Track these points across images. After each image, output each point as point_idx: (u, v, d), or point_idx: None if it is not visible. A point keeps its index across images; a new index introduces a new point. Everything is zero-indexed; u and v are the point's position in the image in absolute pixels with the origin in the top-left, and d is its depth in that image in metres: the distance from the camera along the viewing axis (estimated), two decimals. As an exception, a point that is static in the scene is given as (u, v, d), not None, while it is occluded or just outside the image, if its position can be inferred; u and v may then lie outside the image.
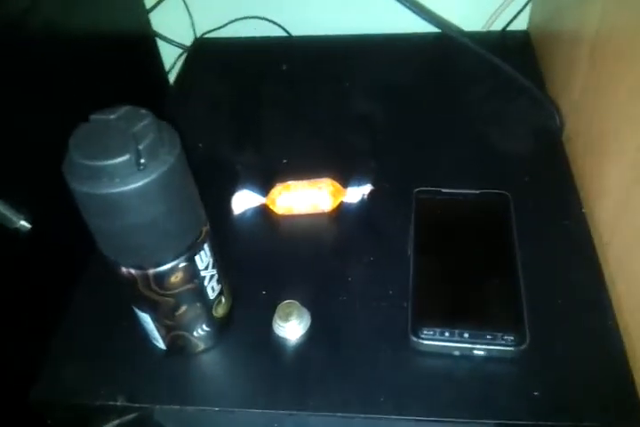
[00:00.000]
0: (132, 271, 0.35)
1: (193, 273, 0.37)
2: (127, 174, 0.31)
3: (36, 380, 0.42)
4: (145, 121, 0.32)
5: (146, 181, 0.31)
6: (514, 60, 0.63)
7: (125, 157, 0.31)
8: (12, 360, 0.46)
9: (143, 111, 0.33)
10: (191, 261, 0.37)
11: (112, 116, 0.33)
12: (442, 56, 0.70)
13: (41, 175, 0.46)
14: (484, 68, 0.65)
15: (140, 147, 0.31)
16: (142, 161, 0.31)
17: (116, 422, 0.42)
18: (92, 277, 0.49)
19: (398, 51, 0.71)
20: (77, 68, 0.56)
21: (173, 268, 0.36)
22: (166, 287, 0.37)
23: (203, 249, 0.37)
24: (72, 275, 0.49)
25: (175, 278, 0.36)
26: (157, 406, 0.40)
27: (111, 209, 0.32)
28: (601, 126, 0.51)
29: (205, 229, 0.38)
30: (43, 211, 0.45)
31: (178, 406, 0.40)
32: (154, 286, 0.36)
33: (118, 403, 0.40)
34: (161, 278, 0.36)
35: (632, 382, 0.39)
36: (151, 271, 0.35)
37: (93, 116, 0.33)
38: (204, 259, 0.38)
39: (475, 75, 0.67)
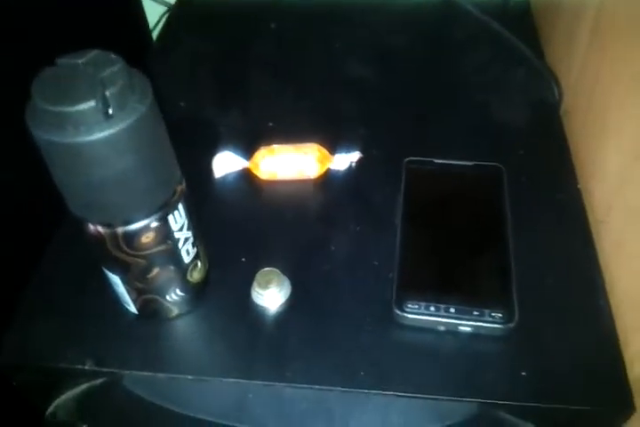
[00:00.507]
0: (100, 229, 0.33)
1: (166, 234, 0.35)
2: (93, 123, 0.29)
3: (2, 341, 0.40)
4: (115, 67, 0.30)
5: (113, 130, 0.29)
6: (513, 29, 0.60)
7: (91, 104, 0.28)
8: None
9: (113, 56, 0.30)
10: (164, 220, 0.34)
11: (80, 61, 0.30)
12: (441, 22, 0.67)
13: (4, 123, 0.43)
14: (483, 36, 0.62)
15: (108, 93, 0.29)
16: (110, 109, 0.29)
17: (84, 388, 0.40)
18: (63, 235, 0.47)
19: (396, 13, 0.68)
20: (56, 19, 0.53)
21: (144, 227, 0.34)
22: (137, 248, 0.34)
23: (177, 209, 0.35)
24: (41, 232, 0.46)
25: (146, 239, 0.34)
26: (127, 372, 0.39)
27: (76, 160, 0.29)
28: (602, 101, 0.49)
29: (180, 187, 0.35)
30: (9, 163, 0.43)
31: (149, 373, 0.38)
32: (123, 246, 0.34)
33: (86, 367, 0.39)
34: (131, 238, 0.34)
35: (622, 364, 0.38)
36: (120, 230, 0.33)
37: (60, 60, 0.30)
38: (177, 219, 0.35)
39: (473, 42, 0.64)
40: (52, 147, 0.29)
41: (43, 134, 0.29)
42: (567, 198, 0.48)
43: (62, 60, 0.30)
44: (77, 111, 0.28)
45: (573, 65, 0.55)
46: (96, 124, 0.29)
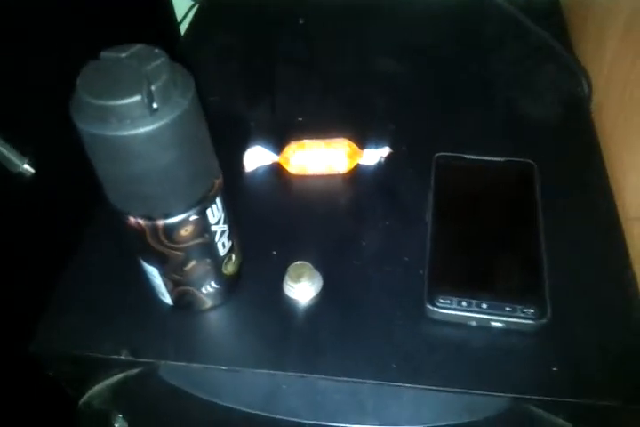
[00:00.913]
0: (141, 222, 0.34)
1: (204, 227, 0.35)
2: (138, 117, 0.29)
3: (36, 330, 0.41)
4: (158, 61, 0.30)
5: (157, 124, 0.29)
6: (542, 24, 0.60)
7: (137, 98, 0.29)
8: (13, 309, 0.45)
9: (157, 50, 0.31)
10: (202, 214, 0.35)
11: (123, 55, 0.30)
12: (470, 16, 0.67)
13: (47, 117, 0.43)
14: (512, 31, 0.62)
15: (153, 88, 0.29)
16: (155, 103, 0.29)
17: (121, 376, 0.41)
18: (99, 226, 0.47)
19: (425, 8, 0.68)
20: (82, 15, 0.53)
21: (184, 220, 0.34)
22: (176, 240, 0.35)
23: (215, 203, 0.35)
24: (77, 224, 0.47)
25: (185, 231, 0.35)
26: (162, 362, 0.39)
27: (119, 153, 0.30)
28: (635, 97, 0.48)
29: (218, 181, 0.36)
30: (48, 155, 0.43)
31: (184, 363, 0.39)
32: (163, 239, 0.35)
33: (122, 357, 0.39)
34: (170, 231, 0.34)
35: (655, 360, 0.38)
36: (160, 222, 0.34)
37: (104, 54, 0.31)
38: (215, 213, 0.36)
39: (502, 37, 0.63)
40: (95, 140, 0.30)
41: (87, 127, 0.29)
42: (598, 195, 0.48)
43: (106, 54, 0.31)
44: (123, 105, 0.29)
45: (604, 59, 0.55)
46: (141, 119, 0.29)
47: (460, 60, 0.61)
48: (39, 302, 0.43)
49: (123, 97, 0.29)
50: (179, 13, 0.78)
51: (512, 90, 0.57)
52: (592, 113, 0.55)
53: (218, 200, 0.36)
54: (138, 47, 0.31)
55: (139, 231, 0.34)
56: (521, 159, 0.48)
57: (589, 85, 0.57)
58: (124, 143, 0.30)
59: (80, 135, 0.30)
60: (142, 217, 0.34)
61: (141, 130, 0.29)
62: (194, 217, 0.34)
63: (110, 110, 0.29)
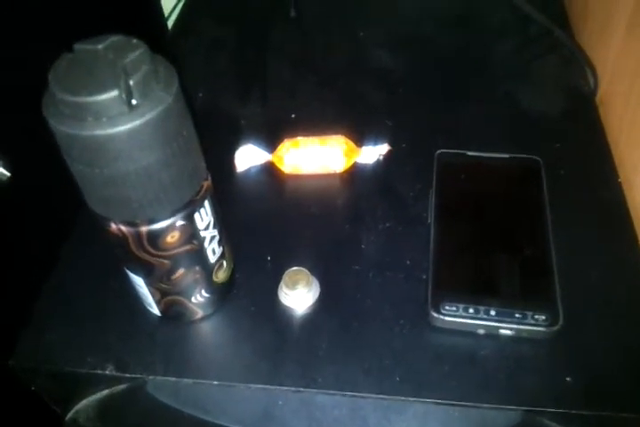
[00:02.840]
0: (123, 228, 0.31)
1: (192, 233, 0.33)
2: (116, 114, 0.27)
3: (17, 344, 0.39)
4: (137, 52, 0.28)
5: (137, 121, 0.27)
6: (544, 12, 0.57)
7: (114, 93, 0.26)
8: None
9: (135, 41, 0.28)
10: (190, 219, 0.32)
11: (99, 46, 0.28)
12: (469, 6, 0.64)
13: (20, 117, 0.41)
14: (513, 21, 0.60)
15: (131, 81, 0.27)
16: (134, 98, 0.27)
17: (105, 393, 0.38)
18: (81, 233, 0.45)
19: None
20: (68, 5, 0.51)
21: (170, 226, 0.31)
22: (161, 248, 0.32)
23: (203, 206, 0.33)
24: (57, 231, 0.45)
25: (172, 238, 0.32)
26: (150, 377, 0.37)
27: (96, 154, 0.27)
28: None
29: (206, 183, 0.33)
30: (24, 158, 0.41)
31: (173, 378, 0.37)
32: (147, 246, 0.32)
33: (107, 372, 0.37)
34: (155, 237, 0.32)
35: (676, 369, 0.35)
36: (144, 229, 0.31)
37: (77, 46, 0.28)
38: (204, 218, 0.33)
39: (503, 28, 0.61)
40: (70, 140, 0.27)
41: (61, 126, 0.27)
42: (608, 193, 0.45)
43: (80, 46, 0.28)
44: (99, 102, 0.26)
45: (610, 49, 0.53)
46: (119, 116, 0.27)
47: (460, 52, 0.59)
48: (21, 314, 0.40)
49: (98, 92, 0.26)
50: (167, 6, 0.75)
51: (513, 83, 0.55)
52: (598, 105, 0.53)
53: (206, 204, 0.33)
54: (114, 38, 0.28)
55: (121, 239, 0.32)
56: (527, 155, 0.46)
57: (595, 77, 0.54)
58: (102, 143, 0.27)
59: (54, 135, 0.28)
60: (124, 223, 0.31)
61: (120, 128, 0.27)
62: (180, 222, 0.32)
63: (85, 107, 0.26)
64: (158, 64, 0.29)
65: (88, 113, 0.26)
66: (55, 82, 0.27)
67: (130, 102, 0.27)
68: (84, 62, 0.28)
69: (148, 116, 0.27)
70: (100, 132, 0.26)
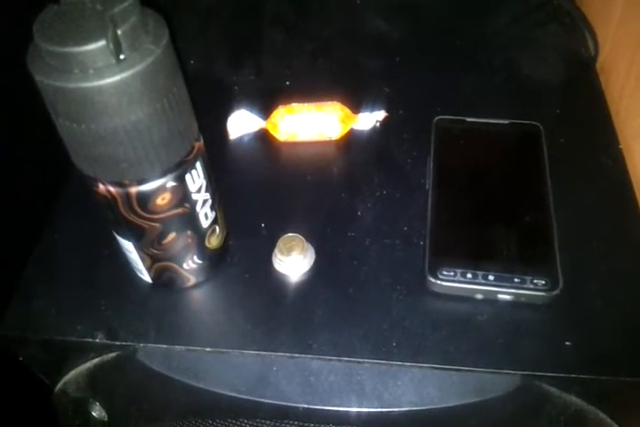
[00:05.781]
0: (112, 189, 0.30)
1: (183, 195, 0.32)
2: (103, 65, 0.26)
3: (4, 313, 0.38)
4: (125, 3, 0.26)
5: (125, 74, 0.26)
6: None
7: (101, 43, 0.25)
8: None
9: (123, -8, 0.27)
10: (181, 180, 0.31)
11: (86, -3, 0.26)
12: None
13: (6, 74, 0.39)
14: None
15: (119, 32, 0.25)
16: (122, 50, 0.25)
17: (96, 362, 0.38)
18: (70, 197, 0.43)
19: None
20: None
21: (160, 187, 0.30)
22: (152, 211, 0.31)
23: (195, 168, 0.32)
24: (47, 194, 0.43)
25: (162, 200, 0.31)
26: (141, 345, 0.36)
27: (83, 108, 0.26)
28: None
29: (198, 144, 0.32)
30: (8, 117, 0.39)
31: (165, 346, 0.36)
32: (137, 209, 0.31)
33: (97, 340, 0.36)
34: (145, 199, 0.31)
35: (675, 333, 0.35)
36: (133, 190, 0.30)
37: (63, -4, 0.27)
38: (195, 180, 0.32)
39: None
40: (56, 93, 0.26)
41: (46, 79, 0.26)
42: (608, 159, 0.45)
43: (65, -3, 0.27)
44: (85, 52, 0.25)
45: (612, 17, 0.51)
46: (106, 68, 0.25)
47: (459, 17, 0.57)
48: (9, 284, 0.39)
49: (85, 43, 0.25)
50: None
51: (513, 49, 0.54)
52: (599, 73, 0.52)
53: (198, 165, 0.32)
54: (101, -12, 0.27)
55: (110, 200, 0.31)
56: (526, 121, 0.45)
57: (596, 44, 0.53)
58: (88, 96, 0.26)
59: (39, 88, 0.27)
60: (113, 184, 0.30)
61: (107, 80, 0.25)
62: (171, 184, 0.31)
63: (71, 58, 0.25)
64: (148, 17, 0.28)
65: (74, 64, 0.25)
66: (40, 33, 0.26)
67: (118, 53, 0.25)
68: (70, 14, 0.26)
69: (136, 68, 0.26)
70: (86, 84, 0.25)
